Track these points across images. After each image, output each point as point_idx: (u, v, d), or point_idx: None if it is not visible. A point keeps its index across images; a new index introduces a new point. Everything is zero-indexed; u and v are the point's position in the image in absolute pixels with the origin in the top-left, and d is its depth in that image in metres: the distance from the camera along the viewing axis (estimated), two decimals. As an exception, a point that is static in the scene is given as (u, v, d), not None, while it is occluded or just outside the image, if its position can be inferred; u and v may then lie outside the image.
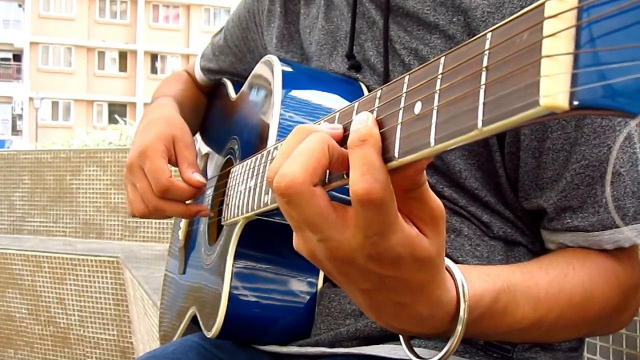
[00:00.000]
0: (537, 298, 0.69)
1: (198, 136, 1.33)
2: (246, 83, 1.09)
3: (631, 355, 1.16)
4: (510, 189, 0.83)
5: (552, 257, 0.77)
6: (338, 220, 0.51)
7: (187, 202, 1.03)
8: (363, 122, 0.49)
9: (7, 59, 40.71)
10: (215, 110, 1.30)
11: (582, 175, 0.75)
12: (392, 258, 0.52)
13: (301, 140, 0.52)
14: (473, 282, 0.62)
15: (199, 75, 1.33)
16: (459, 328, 0.58)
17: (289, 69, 0.91)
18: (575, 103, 0.33)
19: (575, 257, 0.76)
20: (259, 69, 1.01)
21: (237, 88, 1.18)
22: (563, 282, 0.72)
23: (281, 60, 0.93)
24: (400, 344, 0.64)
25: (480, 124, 0.39)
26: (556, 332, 0.74)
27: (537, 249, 0.84)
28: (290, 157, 0.51)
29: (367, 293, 0.56)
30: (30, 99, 36.83)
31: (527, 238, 0.84)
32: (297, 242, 0.57)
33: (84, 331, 4.65)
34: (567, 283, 0.72)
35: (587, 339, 1.02)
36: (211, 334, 0.90)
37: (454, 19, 0.82)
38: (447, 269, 0.58)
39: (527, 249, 0.84)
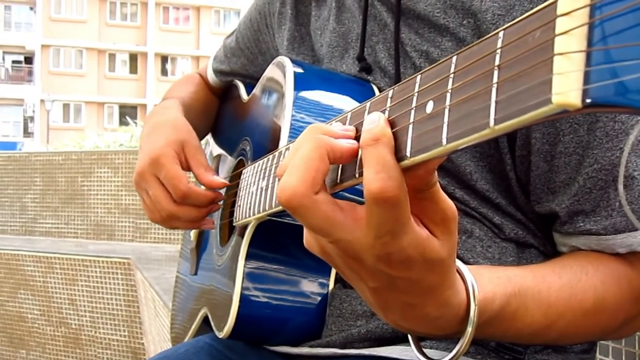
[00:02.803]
0: (548, 303, 0.68)
1: (210, 138, 1.34)
2: (258, 84, 1.09)
3: (643, 357, 1.16)
4: (521, 191, 0.83)
5: (565, 261, 0.76)
6: (346, 221, 0.51)
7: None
8: (375, 122, 0.49)
9: (19, 62, 40.99)
10: (227, 112, 1.31)
11: (595, 179, 0.74)
12: (402, 259, 0.52)
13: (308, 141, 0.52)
14: (484, 285, 0.62)
15: (211, 77, 1.33)
16: (469, 330, 0.58)
17: (300, 70, 0.91)
18: (588, 101, 0.33)
19: (588, 261, 0.75)
20: (271, 70, 1.01)
21: (249, 90, 1.19)
22: (575, 287, 0.71)
23: (293, 61, 0.93)
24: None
25: (492, 122, 0.39)
26: (567, 336, 0.74)
27: (548, 251, 0.84)
28: (288, 169, 0.51)
29: (375, 292, 0.56)
30: (42, 101, 37.06)
31: (538, 240, 0.84)
32: (307, 239, 0.57)
33: (95, 332, 4.67)
34: (580, 289, 0.71)
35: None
36: (222, 334, 0.90)
37: (464, 22, 0.81)
38: (457, 270, 0.58)
39: (538, 251, 0.84)
